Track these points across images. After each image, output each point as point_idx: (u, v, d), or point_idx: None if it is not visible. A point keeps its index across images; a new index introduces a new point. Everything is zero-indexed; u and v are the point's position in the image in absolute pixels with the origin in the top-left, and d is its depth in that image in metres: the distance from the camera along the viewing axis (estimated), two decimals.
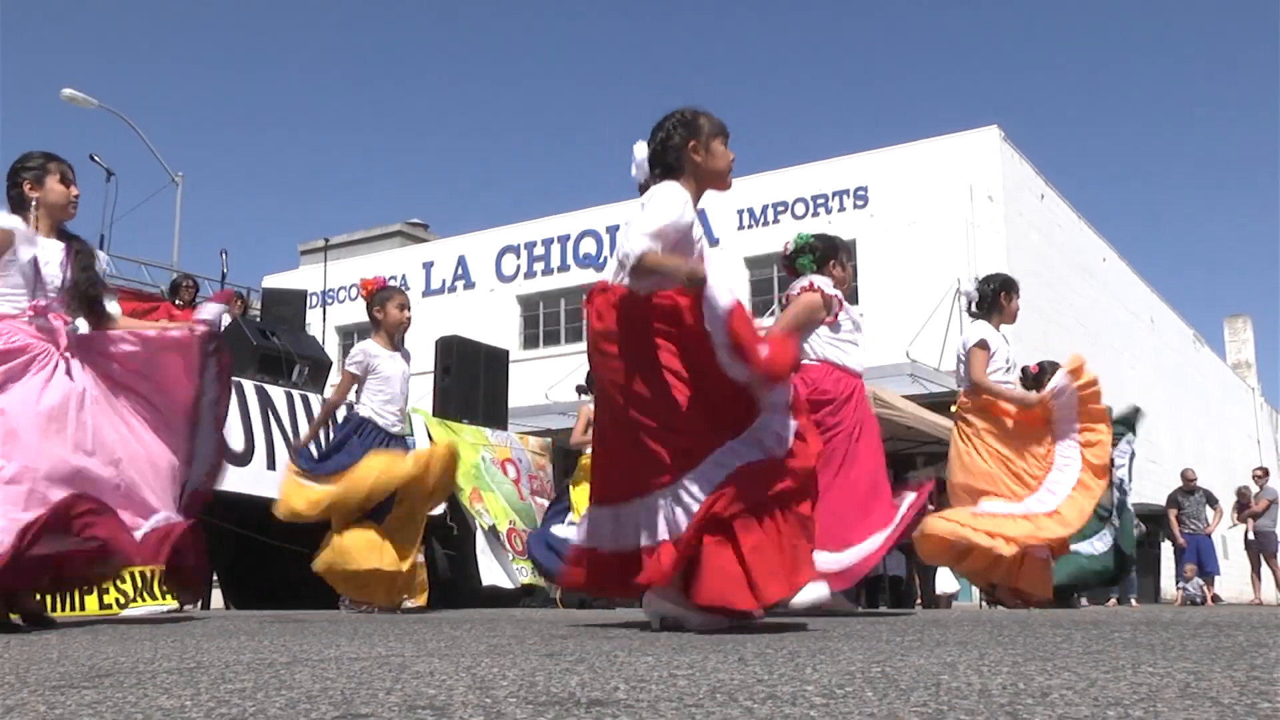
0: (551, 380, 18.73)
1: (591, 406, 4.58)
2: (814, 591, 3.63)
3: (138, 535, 3.58)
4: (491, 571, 6.82)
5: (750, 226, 20.89)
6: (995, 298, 5.71)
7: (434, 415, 7.58)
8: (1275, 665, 1.77)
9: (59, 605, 4.48)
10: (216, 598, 7.62)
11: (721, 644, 2.34)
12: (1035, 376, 6.87)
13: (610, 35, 70.62)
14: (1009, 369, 5.68)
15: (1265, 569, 13.94)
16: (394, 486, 5.20)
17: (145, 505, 3.63)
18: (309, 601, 6.05)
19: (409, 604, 5.35)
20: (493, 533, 6.99)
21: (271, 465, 6.23)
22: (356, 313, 24.04)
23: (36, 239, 3.63)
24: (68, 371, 3.59)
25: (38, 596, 3.68)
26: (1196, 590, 13.32)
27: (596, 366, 3.06)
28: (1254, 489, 14.25)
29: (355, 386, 5.46)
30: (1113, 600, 10.17)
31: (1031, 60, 69.46)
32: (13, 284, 3.57)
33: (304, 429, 6.59)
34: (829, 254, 4.63)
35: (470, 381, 8.16)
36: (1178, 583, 13.76)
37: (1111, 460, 6.11)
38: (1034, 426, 5.47)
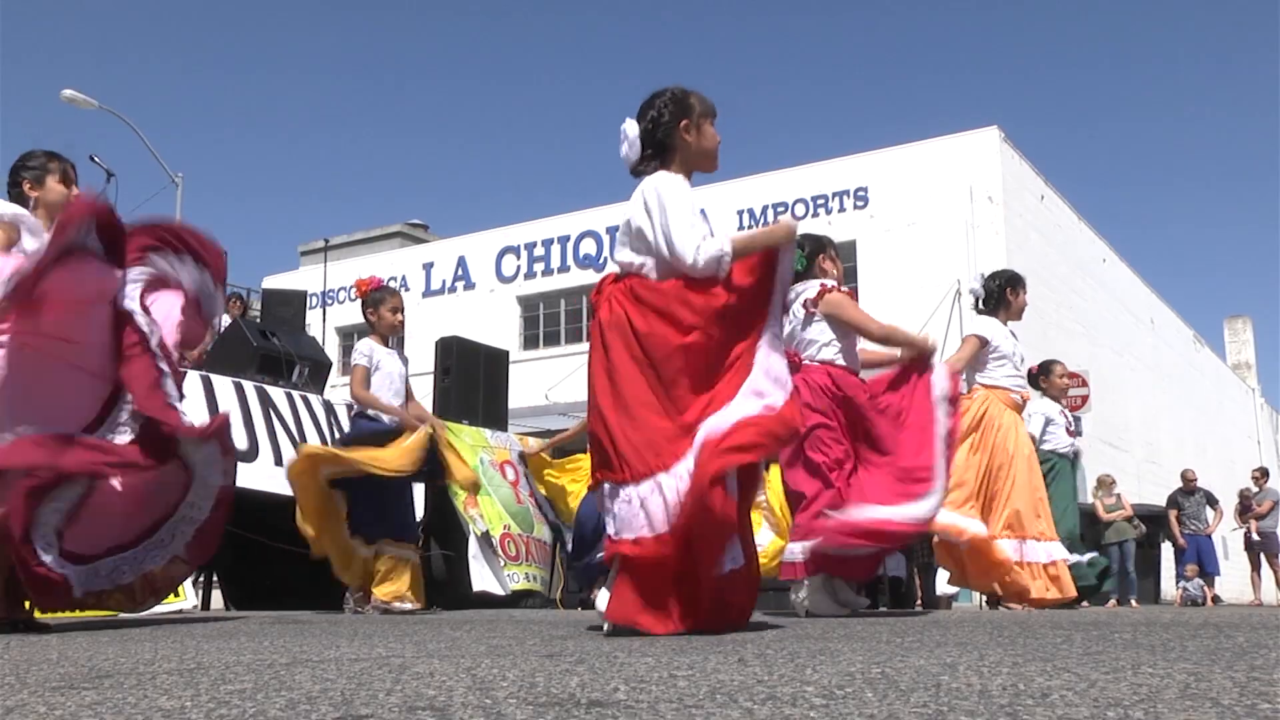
0: (551, 381, 18.75)
1: None
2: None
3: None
4: (482, 578, 6.81)
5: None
6: (1001, 293, 5.70)
7: (433, 416, 7.57)
8: (1275, 666, 1.77)
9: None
10: (216, 598, 7.62)
11: (721, 645, 2.33)
12: (1034, 376, 6.88)
13: (610, 35, 70.69)
14: (1013, 359, 5.64)
15: (1265, 569, 13.95)
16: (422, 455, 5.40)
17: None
18: (309, 602, 6.05)
19: (407, 605, 5.35)
20: (485, 539, 7.00)
21: (279, 461, 6.23)
22: (356, 313, 23.86)
23: (41, 230, 3.60)
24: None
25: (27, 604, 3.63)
26: (1197, 591, 13.32)
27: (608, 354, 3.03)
28: (1254, 490, 14.26)
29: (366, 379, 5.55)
30: (1113, 601, 10.17)
31: (1031, 60, 69.56)
32: None
33: (306, 429, 6.61)
34: (818, 249, 4.61)
35: (470, 382, 8.15)
36: (1178, 583, 13.76)
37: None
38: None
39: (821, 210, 20.41)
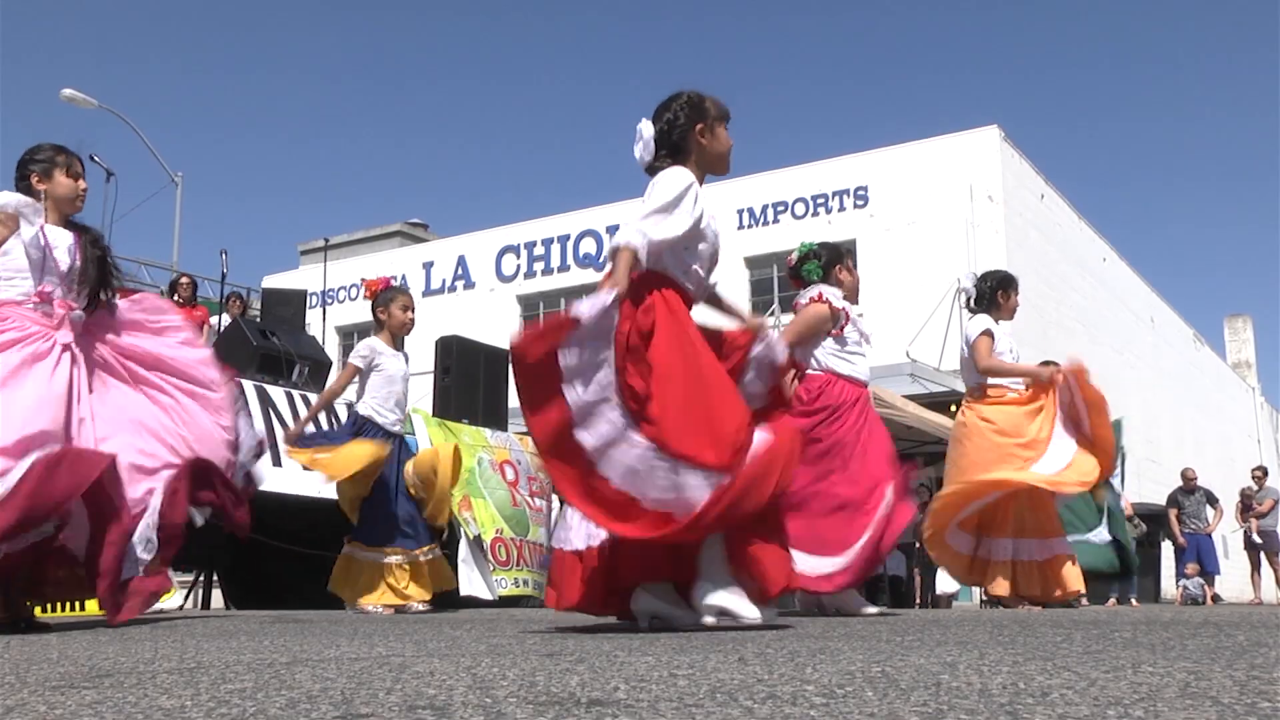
0: None
1: None
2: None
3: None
4: (470, 582, 6.82)
5: (750, 226, 20.89)
6: (993, 295, 5.70)
7: (433, 415, 7.57)
8: (1275, 665, 1.77)
9: (58, 605, 4.46)
10: (217, 597, 7.62)
11: (721, 644, 2.34)
12: None
13: (610, 35, 70.66)
14: (1009, 358, 5.67)
15: (1266, 568, 13.94)
16: (374, 473, 5.26)
17: (138, 498, 3.56)
18: (309, 601, 6.05)
19: (419, 607, 5.32)
20: (477, 543, 7.00)
21: (277, 462, 6.22)
22: (356, 313, 24.05)
23: (42, 210, 3.59)
24: (71, 361, 3.51)
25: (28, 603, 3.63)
26: (1197, 589, 13.32)
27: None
28: (1255, 489, 14.26)
29: (355, 381, 5.48)
30: (1113, 600, 10.16)
31: (1031, 60, 69.53)
32: (17, 268, 3.49)
33: (306, 428, 6.60)
34: (834, 259, 4.68)
35: (470, 382, 8.15)
36: (1178, 582, 13.76)
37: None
38: (1033, 420, 5.44)
39: (821, 209, 20.40)
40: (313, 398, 6.95)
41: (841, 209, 20.43)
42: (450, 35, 71.99)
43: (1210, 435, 29.62)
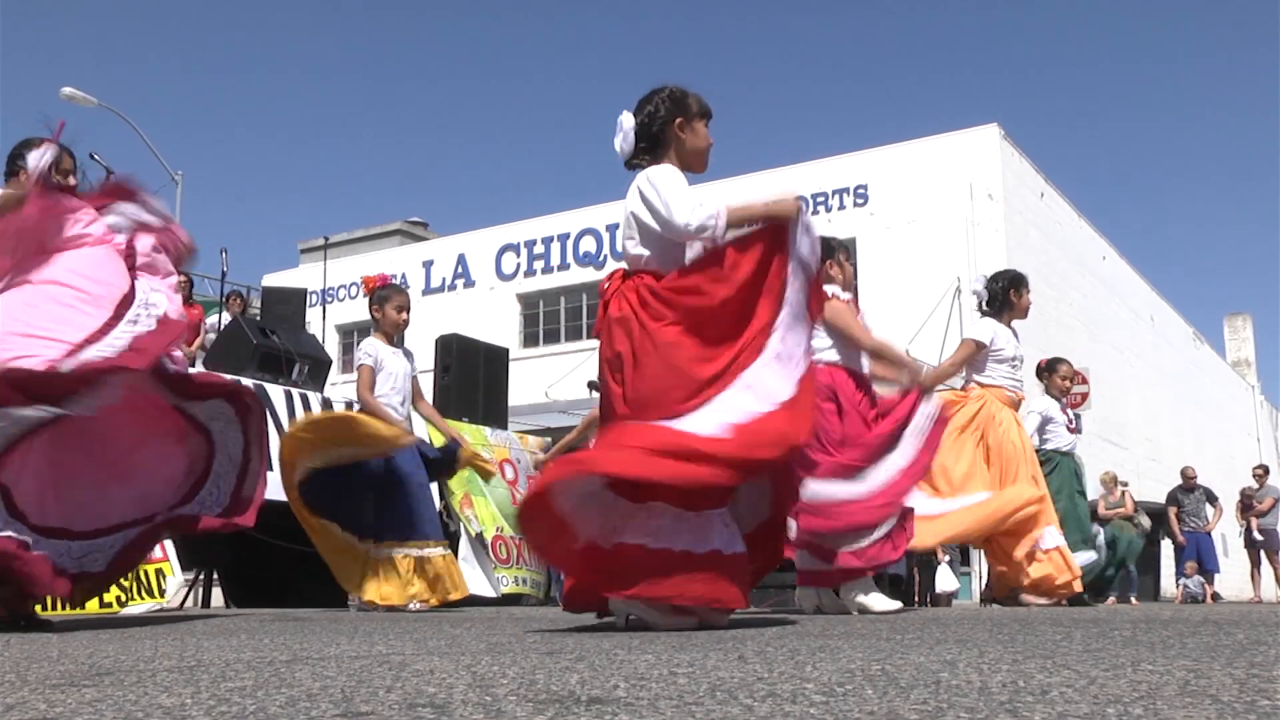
0: (551, 379, 18.72)
1: (597, 410, 4.57)
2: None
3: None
4: (472, 579, 6.82)
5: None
6: (1005, 295, 5.72)
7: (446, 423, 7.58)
8: (1275, 663, 1.77)
9: (58, 604, 4.46)
10: (217, 596, 7.62)
11: (721, 642, 2.34)
12: (1040, 370, 6.92)
13: (610, 34, 70.66)
14: (1016, 363, 5.67)
15: (1265, 566, 13.94)
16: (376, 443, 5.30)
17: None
18: (309, 600, 6.05)
19: (416, 606, 5.30)
20: (479, 540, 7.00)
21: (270, 466, 6.21)
22: (356, 311, 24.04)
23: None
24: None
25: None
26: (1197, 588, 13.32)
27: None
28: (1255, 487, 14.26)
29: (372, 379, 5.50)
30: (1112, 598, 10.17)
31: (1031, 58, 69.52)
32: None
33: None
34: (826, 254, 4.64)
35: (470, 380, 8.16)
36: (1178, 580, 13.76)
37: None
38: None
39: (821, 208, 20.39)
40: (313, 396, 6.95)
41: (841, 207, 20.42)
42: (450, 35, 72.03)
43: (1210, 434, 29.64)
